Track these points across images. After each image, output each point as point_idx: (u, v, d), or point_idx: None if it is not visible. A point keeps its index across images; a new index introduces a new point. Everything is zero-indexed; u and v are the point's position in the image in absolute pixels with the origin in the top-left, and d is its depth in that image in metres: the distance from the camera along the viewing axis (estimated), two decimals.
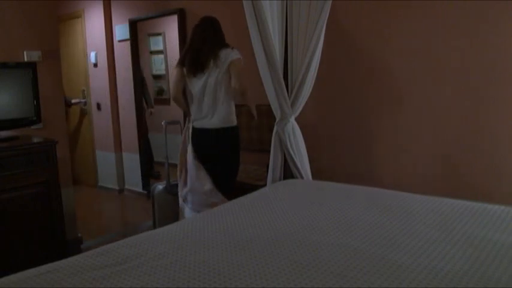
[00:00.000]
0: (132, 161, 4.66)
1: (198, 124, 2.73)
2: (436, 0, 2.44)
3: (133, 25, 4.36)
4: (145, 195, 4.40)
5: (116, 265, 1.40)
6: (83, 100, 5.06)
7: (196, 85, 2.66)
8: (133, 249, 1.52)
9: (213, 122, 2.67)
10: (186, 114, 2.90)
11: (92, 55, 4.90)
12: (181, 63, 2.71)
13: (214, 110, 2.65)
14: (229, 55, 2.58)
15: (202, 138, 2.74)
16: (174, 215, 3.11)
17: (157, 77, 4.85)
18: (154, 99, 4.87)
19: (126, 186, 4.78)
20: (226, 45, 2.64)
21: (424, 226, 1.64)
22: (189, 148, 2.81)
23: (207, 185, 2.75)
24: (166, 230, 1.72)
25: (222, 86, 2.62)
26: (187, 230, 1.70)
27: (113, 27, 4.70)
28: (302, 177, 2.62)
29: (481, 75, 2.36)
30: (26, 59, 2.85)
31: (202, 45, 2.63)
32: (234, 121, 2.72)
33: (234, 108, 2.72)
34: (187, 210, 2.85)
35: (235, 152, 2.79)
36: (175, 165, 3.96)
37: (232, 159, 2.79)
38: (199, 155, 2.78)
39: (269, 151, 2.71)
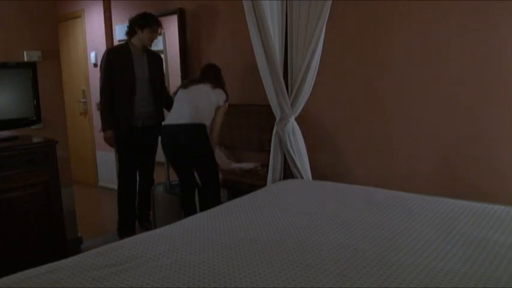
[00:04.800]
0: None
1: (169, 121, 2.94)
2: (436, 0, 2.44)
3: None
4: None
5: (116, 265, 1.40)
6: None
7: (184, 94, 2.95)
8: (133, 249, 1.52)
9: (183, 119, 2.86)
10: None
11: (92, 55, 4.90)
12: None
13: (190, 114, 2.85)
14: (223, 97, 2.96)
15: (171, 134, 2.90)
16: (174, 215, 3.11)
17: None
18: None
19: None
20: (223, 88, 3.01)
21: (424, 226, 1.64)
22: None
23: None
24: (166, 230, 1.73)
25: (205, 102, 2.91)
26: (187, 230, 1.71)
27: (113, 27, 4.69)
28: (302, 177, 2.62)
29: (481, 74, 2.36)
30: (26, 59, 2.85)
31: (204, 73, 3.05)
32: (203, 122, 2.89)
33: (208, 118, 2.95)
34: None
35: (205, 145, 2.91)
36: None
37: (203, 154, 2.92)
38: (173, 154, 2.97)
39: (269, 151, 2.71)
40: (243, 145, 3.50)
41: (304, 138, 2.69)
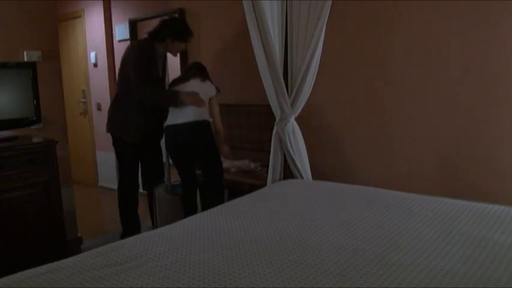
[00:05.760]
0: None
1: (172, 121, 2.91)
2: (436, 0, 2.44)
3: (133, 25, 4.36)
4: (146, 195, 4.38)
5: (116, 265, 1.40)
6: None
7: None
8: (133, 249, 1.52)
9: (186, 118, 2.85)
10: None
11: (92, 55, 4.90)
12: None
13: (192, 111, 2.85)
14: (213, 87, 2.98)
15: (175, 134, 2.89)
16: (175, 216, 3.11)
17: None
18: None
19: None
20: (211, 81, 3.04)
21: (424, 226, 1.64)
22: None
23: None
24: (166, 230, 1.73)
25: (203, 96, 2.90)
26: (187, 230, 1.71)
27: (113, 27, 4.69)
28: (302, 177, 2.62)
29: (481, 74, 2.36)
30: (26, 59, 2.85)
31: (188, 70, 3.07)
32: (205, 117, 2.91)
33: (207, 112, 2.97)
34: None
35: (210, 144, 2.92)
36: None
37: (207, 152, 2.92)
38: (176, 153, 2.97)
39: (269, 151, 2.71)
40: (243, 145, 3.50)
41: (304, 138, 2.69)
